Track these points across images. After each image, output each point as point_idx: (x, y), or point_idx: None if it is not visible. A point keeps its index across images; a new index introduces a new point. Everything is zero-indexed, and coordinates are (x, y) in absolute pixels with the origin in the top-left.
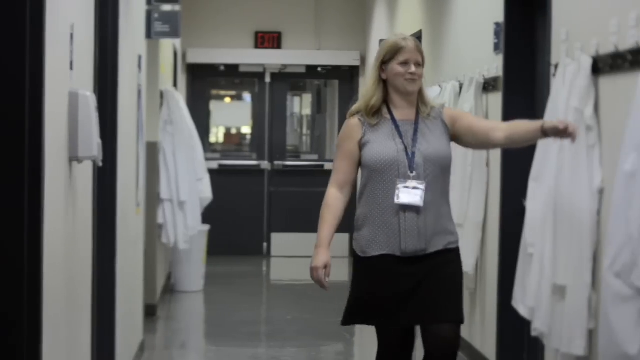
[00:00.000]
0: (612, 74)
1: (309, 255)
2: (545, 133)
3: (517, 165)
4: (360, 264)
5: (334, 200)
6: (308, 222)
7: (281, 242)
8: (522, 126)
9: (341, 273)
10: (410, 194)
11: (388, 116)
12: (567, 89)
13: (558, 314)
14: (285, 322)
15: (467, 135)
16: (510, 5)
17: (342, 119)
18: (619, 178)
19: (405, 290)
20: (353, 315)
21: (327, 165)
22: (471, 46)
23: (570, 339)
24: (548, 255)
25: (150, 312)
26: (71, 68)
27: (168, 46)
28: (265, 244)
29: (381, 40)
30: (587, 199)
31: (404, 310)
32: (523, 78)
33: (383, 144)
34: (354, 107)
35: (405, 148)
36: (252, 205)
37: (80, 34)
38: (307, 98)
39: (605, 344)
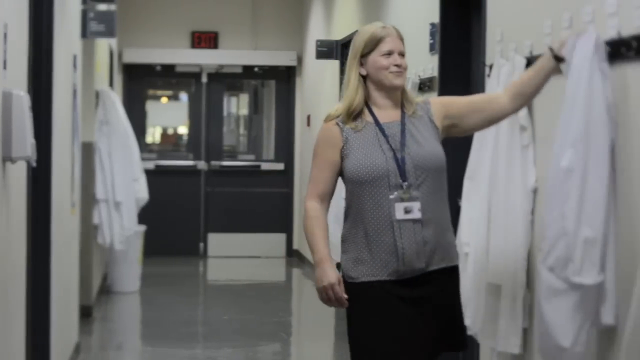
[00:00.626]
0: None
1: (246, 256)
2: (558, 57)
3: (452, 164)
4: (351, 292)
5: (316, 212)
6: (245, 223)
7: (218, 242)
8: (526, 75)
9: (277, 273)
10: (406, 206)
11: (370, 118)
12: (502, 89)
13: (493, 313)
14: (222, 323)
15: (468, 115)
16: (445, 6)
17: (279, 119)
18: (553, 174)
19: (410, 319)
20: None
21: (264, 166)
22: (407, 46)
23: (506, 338)
24: (482, 255)
25: (85, 313)
26: (4, 67)
27: (104, 46)
28: (201, 244)
29: (316, 40)
30: (521, 198)
31: (413, 342)
32: (458, 78)
33: (368, 152)
34: (333, 111)
35: (394, 154)
36: (189, 206)
37: (13, 33)
38: (244, 98)
39: (540, 338)
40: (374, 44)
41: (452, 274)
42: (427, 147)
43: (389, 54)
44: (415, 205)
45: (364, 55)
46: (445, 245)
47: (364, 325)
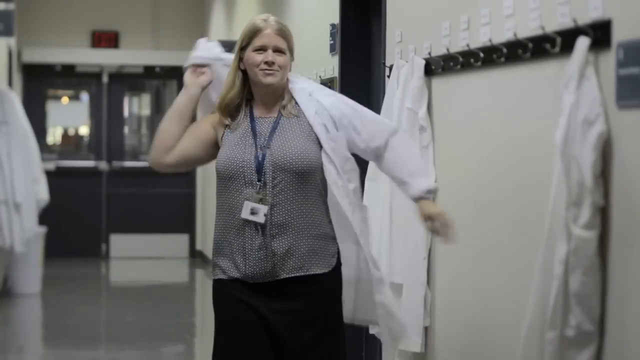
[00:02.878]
0: (444, 75)
1: (149, 257)
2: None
3: None
4: (213, 292)
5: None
6: (147, 223)
7: (120, 243)
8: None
9: (180, 274)
10: (253, 207)
11: (247, 114)
12: (401, 90)
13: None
14: (125, 324)
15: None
16: (345, 7)
17: None
18: None
19: (254, 327)
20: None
21: None
22: (308, 47)
23: (407, 337)
24: (384, 254)
25: None
26: None
27: (2, 45)
28: (104, 246)
29: (217, 40)
30: None
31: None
32: (358, 79)
33: (233, 147)
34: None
35: (256, 150)
36: (90, 207)
37: None
38: (146, 98)
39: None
40: (249, 37)
41: (312, 285)
42: (294, 147)
43: (262, 49)
44: (262, 209)
45: (242, 49)
46: (305, 254)
47: (218, 330)
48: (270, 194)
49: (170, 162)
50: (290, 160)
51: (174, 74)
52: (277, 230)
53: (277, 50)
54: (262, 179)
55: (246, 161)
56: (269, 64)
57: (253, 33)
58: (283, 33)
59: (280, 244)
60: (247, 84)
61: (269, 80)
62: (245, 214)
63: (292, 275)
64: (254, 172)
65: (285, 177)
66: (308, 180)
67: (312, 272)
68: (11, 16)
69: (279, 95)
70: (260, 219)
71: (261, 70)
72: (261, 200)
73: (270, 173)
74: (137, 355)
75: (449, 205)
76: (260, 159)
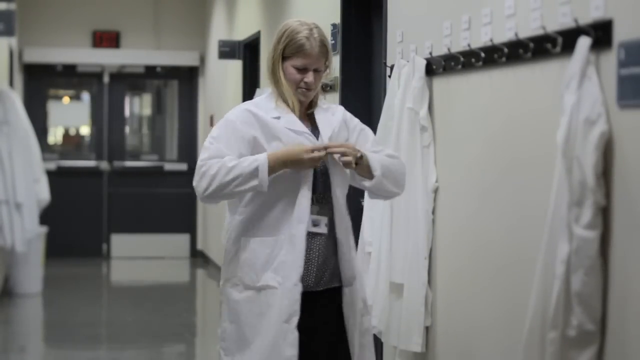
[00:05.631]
0: (445, 75)
1: (150, 256)
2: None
3: None
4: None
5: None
6: (148, 223)
7: (121, 243)
8: None
9: (181, 274)
10: (315, 219)
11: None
12: (402, 89)
13: (395, 311)
14: (126, 324)
15: None
16: (346, 7)
17: (182, 119)
18: None
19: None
20: None
21: (167, 166)
22: None
23: (408, 336)
24: (385, 254)
25: None
26: None
27: (3, 45)
28: (105, 245)
29: (219, 40)
30: (422, 198)
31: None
32: (359, 79)
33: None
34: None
35: None
36: (91, 207)
37: None
38: (147, 98)
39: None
40: (292, 51)
41: (337, 294)
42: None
43: (304, 69)
44: (323, 220)
45: (283, 57)
46: (334, 267)
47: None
48: (325, 205)
49: None
50: (339, 175)
51: (176, 73)
52: (323, 241)
53: (316, 70)
54: (317, 191)
55: (302, 172)
56: (308, 84)
57: (297, 50)
58: (325, 53)
59: (322, 254)
60: None
61: (304, 98)
62: (308, 227)
63: (326, 287)
64: (310, 182)
65: (334, 187)
66: (345, 189)
67: (336, 285)
68: (12, 16)
69: (307, 105)
70: (322, 229)
71: (300, 88)
72: (319, 212)
73: (322, 186)
74: (138, 355)
75: (449, 204)
76: (315, 172)
